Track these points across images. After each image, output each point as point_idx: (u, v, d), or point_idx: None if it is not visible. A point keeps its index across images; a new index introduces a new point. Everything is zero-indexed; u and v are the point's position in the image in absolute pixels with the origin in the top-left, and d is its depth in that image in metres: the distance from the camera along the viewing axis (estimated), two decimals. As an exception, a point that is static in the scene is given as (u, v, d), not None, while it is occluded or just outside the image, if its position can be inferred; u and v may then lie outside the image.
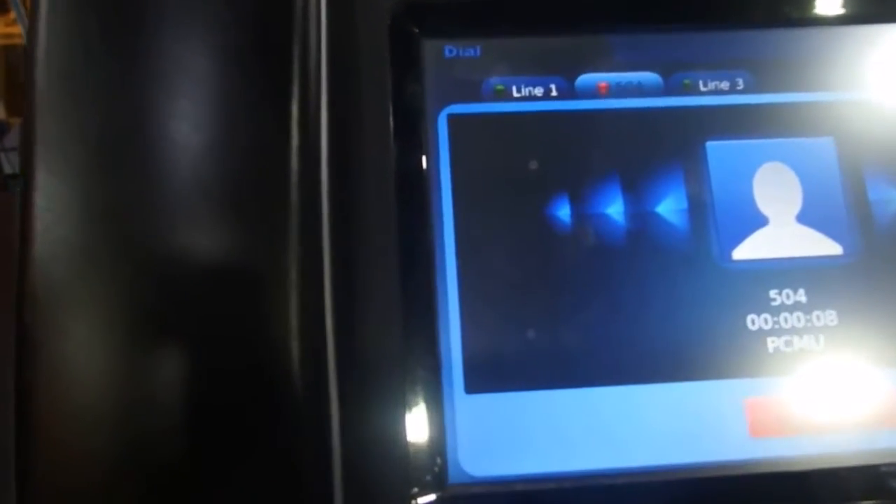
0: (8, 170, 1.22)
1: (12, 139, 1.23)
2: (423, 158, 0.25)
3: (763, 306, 0.25)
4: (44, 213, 0.21)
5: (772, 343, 0.25)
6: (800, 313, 0.25)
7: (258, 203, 0.22)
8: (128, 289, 0.21)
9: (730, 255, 0.25)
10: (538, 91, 0.26)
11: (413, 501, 0.23)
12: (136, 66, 0.22)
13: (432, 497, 0.23)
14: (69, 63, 0.22)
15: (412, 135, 0.25)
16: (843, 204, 0.26)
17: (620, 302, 0.25)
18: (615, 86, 0.26)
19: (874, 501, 0.23)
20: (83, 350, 0.20)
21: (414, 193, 0.25)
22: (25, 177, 0.21)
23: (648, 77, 0.26)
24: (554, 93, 0.26)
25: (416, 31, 0.26)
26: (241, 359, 0.21)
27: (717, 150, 0.26)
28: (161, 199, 0.21)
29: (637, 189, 0.25)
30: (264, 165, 0.22)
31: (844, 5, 0.27)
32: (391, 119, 0.25)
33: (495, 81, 0.26)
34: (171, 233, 0.21)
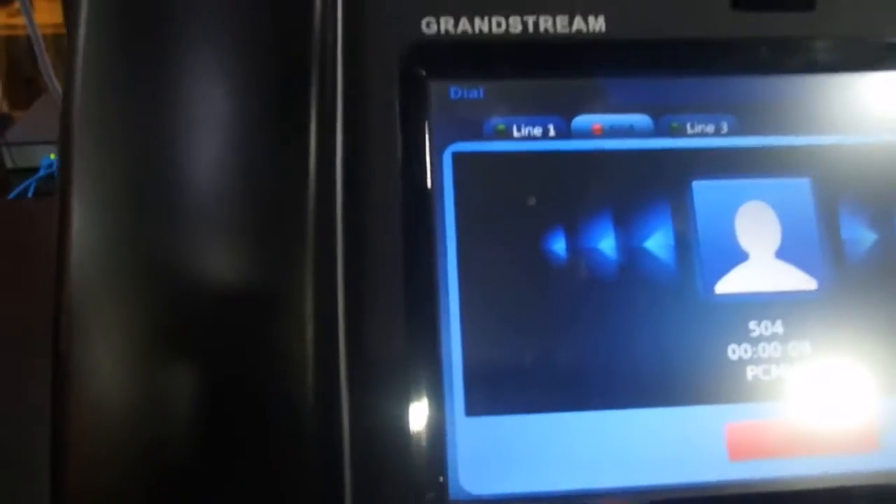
0: (10, 164, 1.22)
1: (15, 134, 1.23)
2: (430, 193, 0.27)
3: (743, 337, 0.26)
4: (79, 241, 0.22)
5: (751, 371, 0.26)
6: (777, 343, 0.27)
7: (278, 231, 0.23)
8: (156, 310, 0.22)
9: (713, 289, 0.27)
10: (537, 131, 0.27)
11: (416, 517, 0.24)
12: (163, 104, 0.23)
13: (434, 513, 0.25)
14: (102, 102, 0.23)
15: (419, 170, 0.27)
16: (818, 241, 0.27)
17: (610, 331, 0.26)
18: (608, 127, 0.28)
19: (844, 521, 0.25)
20: (115, 371, 0.22)
21: (420, 225, 0.26)
22: (61, 207, 0.23)
23: (639, 119, 0.28)
24: (552, 133, 0.27)
25: (424, 73, 0.27)
26: (261, 381, 0.22)
27: (703, 189, 0.27)
28: (188, 227, 0.23)
29: (628, 225, 0.27)
30: (284, 195, 0.23)
31: (821, 55, 0.29)
32: (399, 154, 0.26)
33: (497, 121, 0.27)
34: (197, 258, 0.23)
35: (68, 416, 0.22)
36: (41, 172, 1.25)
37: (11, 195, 1.19)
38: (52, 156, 1.26)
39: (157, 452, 0.21)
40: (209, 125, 0.23)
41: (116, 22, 0.24)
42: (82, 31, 0.23)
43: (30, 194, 1.20)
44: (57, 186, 0.23)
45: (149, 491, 0.21)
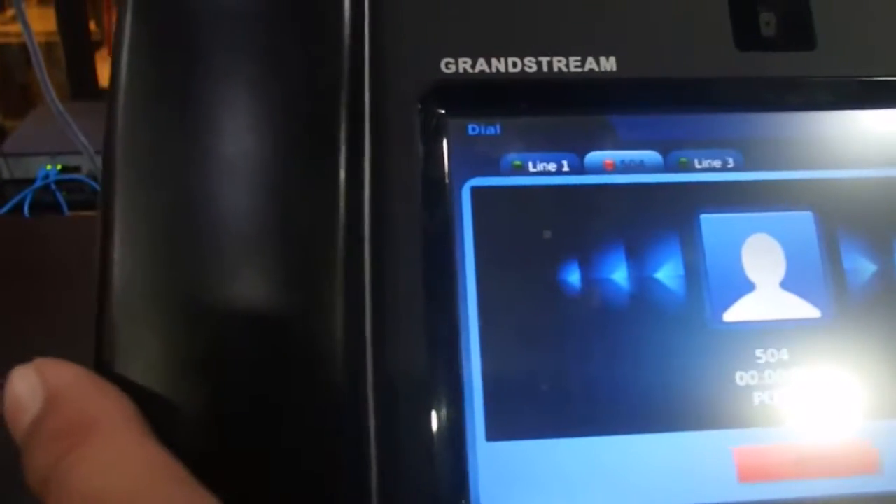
0: (6, 175, 1.22)
1: (12, 144, 1.24)
2: (449, 225, 0.28)
3: (750, 364, 0.28)
4: (122, 268, 0.23)
5: (758, 397, 0.27)
6: (783, 370, 0.28)
7: (310, 260, 0.24)
8: (195, 330, 0.24)
9: (721, 317, 0.28)
10: (551, 166, 0.29)
11: (439, 540, 0.25)
12: (201, 140, 0.25)
13: (457, 536, 0.26)
14: (141, 141, 0.24)
15: (439, 203, 0.28)
16: (820, 272, 0.29)
17: (623, 358, 0.27)
18: (620, 163, 0.29)
19: (847, 541, 0.27)
20: (153, 388, 0.23)
21: (441, 256, 0.27)
22: (104, 236, 0.24)
23: (649, 155, 0.29)
24: (566, 168, 0.29)
25: (443, 111, 0.28)
26: (294, 403, 0.23)
27: (710, 222, 0.29)
28: (223, 256, 0.24)
29: (639, 257, 0.28)
30: (316, 226, 0.25)
31: (822, 93, 0.30)
32: (420, 188, 0.28)
33: (513, 157, 0.29)
34: (232, 286, 0.24)
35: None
36: (37, 183, 1.26)
37: (7, 206, 1.19)
38: (49, 167, 1.27)
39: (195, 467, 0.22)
40: (244, 161, 0.25)
41: (155, 65, 0.25)
42: (123, 75, 0.25)
43: (26, 205, 1.20)
44: (99, 217, 0.24)
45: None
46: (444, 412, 0.26)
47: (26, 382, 0.21)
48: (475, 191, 0.28)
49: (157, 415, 0.22)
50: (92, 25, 1.97)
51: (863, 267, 0.29)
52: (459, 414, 0.26)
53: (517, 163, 0.29)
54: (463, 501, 0.26)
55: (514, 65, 0.29)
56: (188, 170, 0.24)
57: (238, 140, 0.25)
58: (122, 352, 0.23)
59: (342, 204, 0.25)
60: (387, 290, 0.26)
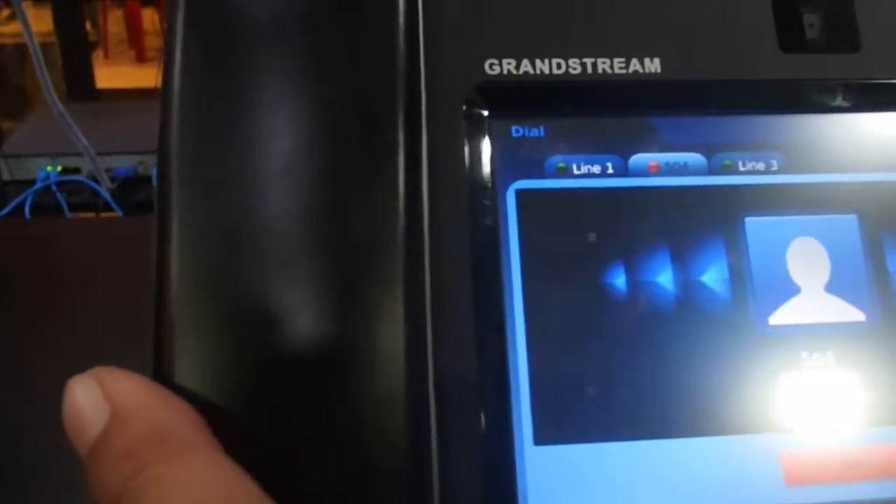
0: (6, 176, 1.22)
1: (12, 145, 1.23)
2: (495, 227, 0.27)
3: (795, 367, 0.28)
4: (178, 276, 0.23)
5: (804, 400, 0.27)
6: (828, 373, 0.28)
7: (370, 269, 0.24)
8: (256, 339, 0.23)
9: (766, 321, 0.28)
10: (596, 169, 0.28)
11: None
12: (257, 147, 0.24)
13: (506, 540, 0.26)
14: (197, 156, 0.24)
15: (484, 206, 0.28)
16: (865, 275, 0.29)
17: (669, 362, 0.27)
18: (664, 165, 0.29)
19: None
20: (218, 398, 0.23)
21: (487, 259, 0.27)
22: (160, 241, 0.24)
23: (693, 158, 0.29)
24: (610, 170, 0.28)
25: (486, 113, 0.28)
26: (355, 415, 0.23)
27: (755, 225, 0.29)
28: (281, 263, 0.24)
29: (684, 259, 0.28)
30: (377, 230, 0.24)
31: (866, 95, 0.30)
32: (466, 190, 0.27)
33: (557, 159, 0.28)
34: (289, 294, 0.24)
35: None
36: (38, 185, 1.25)
37: (8, 207, 1.19)
38: (49, 168, 1.26)
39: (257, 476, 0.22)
40: (301, 166, 0.24)
41: (209, 70, 0.25)
42: (176, 82, 0.24)
43: (27, 206, 1.20)
44: (155, 225, 0.24)
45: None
46: (492, 416, 0.26)
47: (88, 395, 0.21)
48: (520, 193, 0.28)
49: (219, 424, 0.22)
50: (88, 26, 1.97)
51: None
52: (507, 418, 0.26)
53: (561, 165, 0.28)
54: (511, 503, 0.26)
55: (559, 66, 0.28)
56: (246, 178, 0.24)
57: (295, 145, 0.24)
58: (181, 361, 0.23)
59: (401, 208, 0.24)
60: (433, 293, 0.26)
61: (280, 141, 0.24)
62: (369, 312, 0.24)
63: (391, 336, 0.24)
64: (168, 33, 0.25)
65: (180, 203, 0.24)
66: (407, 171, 0.25)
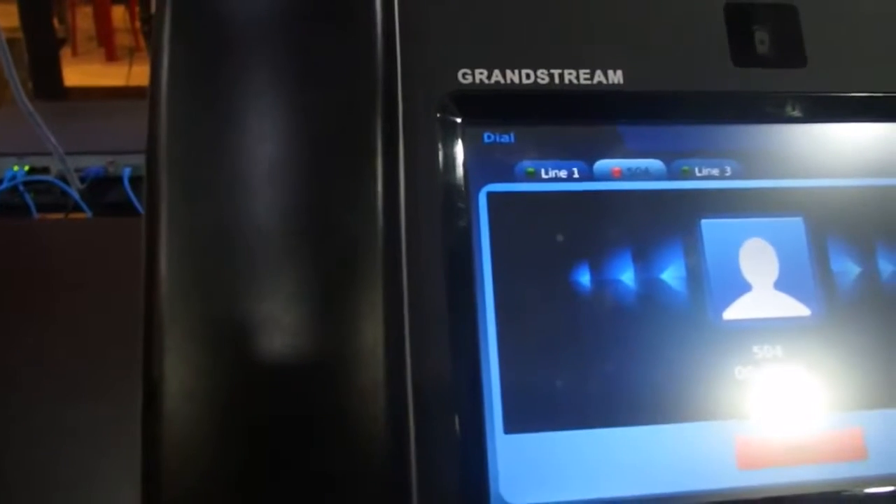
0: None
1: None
2: (467, 228, 0.29)
3: (748, 359, 0.30)
4: (168, 278, 0.25)
5: (755, 390, 0.29)
6: (777, 365, 0.30)
7: (353, 268, 0.26)
8: (242, 340, 0.25)
9: (721, 316, 0.30)
10: (563, 173, 0.30)
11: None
12: (244, 154, 0.26)
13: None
14: (185, 160, 0.26)
15: (458, 208, 0.29)
16: (810, 274, 0.31)
17: (631, 354, 0.29)
18: (626, 170, 0.31)
19: (837, 522, 0.29)
20: (196, 394, 0.24)
21: (460, 258, 0.29)
22: (148, 245, 0.25)
23: (654, 164, 0.31)
24: (576, 175, 0.30)
25: (459, 120, 0.30)
26: (341, 404, 0.25)
27: (710, 227, 0.31)
28: (267, 263, 0.25)
29: (645, 259, 0.30)
30: (358, 235, 0.26)
31: (812, 107, 0.32)
32: (441, 194, 0.29)
33: (527, 164, 0.30)
34: (275, 292, 0.25)
35: (159, 433, 0.24)
36: (5, 185, 1.24)
37: (-27, 207, 1.17)
38: (17, 168, 1.25)
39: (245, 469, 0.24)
40: (284, 170, 0.26)
41: (195, 78, 0.26)
42: (164, 88, 0.26)
43: (-7, 206, 1.19)
44: (143, 229, 0.25)
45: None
46: (465, 407, 0.28)
47: None
48: (491, 196, 0.30)
49: (208, 423, 0.23)
50: (56, 23, 1.95)
51: (849, 269, 0.31)
52: (479, 408, 0.28)
53: (530, 170, 0.30)
54: (483, 489, 0.27)
55: (528, 76, 0.30)
56: (232, 182, 0.26)
57: (278, 151, 0.26)
58: (169, 366, 0.24)
59: (381, 209, 0.26)
60: (409, 290, 0.28)
61: (263, 147, 0.26)
62: (352, 308, 0.25)
63: (372, 331, 0.25)
64: (154, 36, 0.26)
65: (169, 206, 0.25)
66: (385, 174, 0.26)
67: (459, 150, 0.30)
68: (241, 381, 0.25)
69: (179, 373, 0.24)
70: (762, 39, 0.32)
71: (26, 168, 1.25)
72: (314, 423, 0.25)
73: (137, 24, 2.44)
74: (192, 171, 0.25)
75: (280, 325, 0.25)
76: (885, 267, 0.31)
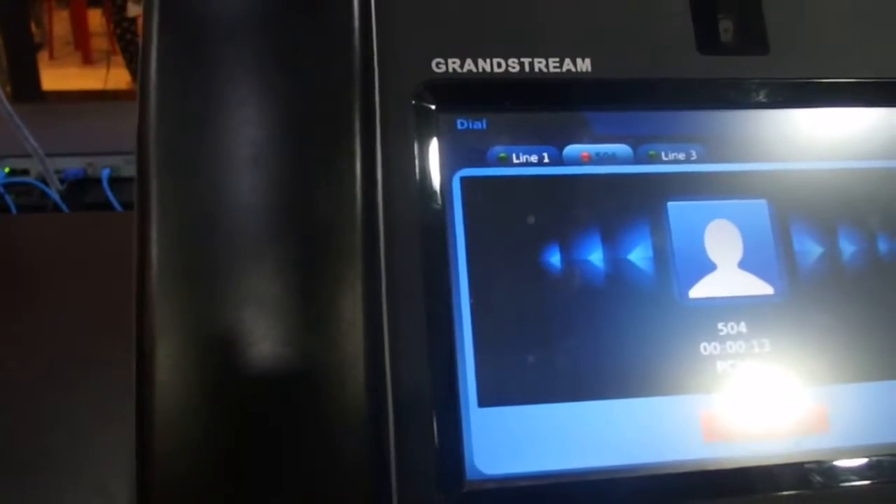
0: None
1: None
2: (442, 212, 0.30)
3: (713, 336, 0.31)
4: (158, 262, 0.25)
5: (720, 366, 0.31)
6: (741, 342, 0.31)
7: (333, 247, 0.27)
8: (225, 324, 0.25)
9: (687, 295, 0.31)
10: (533, 158, 0.31)
11: (439, 494, 0.28)
12: (229, 144, 0.27)
13: (453, 491, 0.28)
14: (173, 155, 0.26)
15: (432, 192, 0.30)
16: (774, 254, 0.32)
17: (600, 332, 0.30)
18: (595, 155, 0.32)
19: (799, 491, 0.30)
20: (189, 372, 0.25)
21: (435, 240, 0.30)
22: (140, 231, 0.26)
23: (621, 148, 0.32)
24: (546, 160, 0.31)
25: (434, 107, 0.31)
26: (323, 374, 0.26)
27: (676, 209, 0.32)
28: (251, 245, 0.26)
29: (613, 240, 0.31)
30: (335, 223, 0.27)
31: (775, 93, 0.33)
32: (416, 179, 0.30)
33: (498, 150, 0.31)
34: (259, 274, 0.26)
35: (150, 412, 0.25)
36: (-11, 186, 1.24)
37: (-42, 209, 1.17)
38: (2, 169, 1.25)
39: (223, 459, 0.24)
40: (265, 158, 0.27)
41: (181, 72, 0.27)
42: (152, 83, 0.27)
43: (-22, 208, 1.18)
44: (135, 216, 0.26)
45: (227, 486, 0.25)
46: (440, 382, 0.29)
47: None
48: (465, 181, 0.31)
49: (190, 408, 0.24)
50: (32, 27, 1.94)
51: (811, 249, 0.32)
52: (454, 383, 0.29)
53: (502, 155, 0.31)
54: (457, 459, 0.28)
55: (499, 65, 0.31)
56: (217, 170, 0.26)
57: (259, 139, 0.27)
58: (159, 341, 0.25)
59: (359, 193, 0.27)
60: (389, 272, 0.29)
61: (245, 134, 0.27)
62: (333, 287, 0.26)
63: (352, 307, 0.26)
64: (144, 36, 0.27)
65: (159, 194, 0.26)
66: (363, 160, 0.27)
67: (434, 136, 0.31)
68: (221, 369, 0.25)
69: (169, 349, 0.25)
70: (726, 28, 0.33)
71: (6, 170, 1.25)
72: (293, 398, 0.26)
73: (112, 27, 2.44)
74: (175, 156, 0.26)
75: (261, 305, 0.26)
76: (845, 247, 0.32)
